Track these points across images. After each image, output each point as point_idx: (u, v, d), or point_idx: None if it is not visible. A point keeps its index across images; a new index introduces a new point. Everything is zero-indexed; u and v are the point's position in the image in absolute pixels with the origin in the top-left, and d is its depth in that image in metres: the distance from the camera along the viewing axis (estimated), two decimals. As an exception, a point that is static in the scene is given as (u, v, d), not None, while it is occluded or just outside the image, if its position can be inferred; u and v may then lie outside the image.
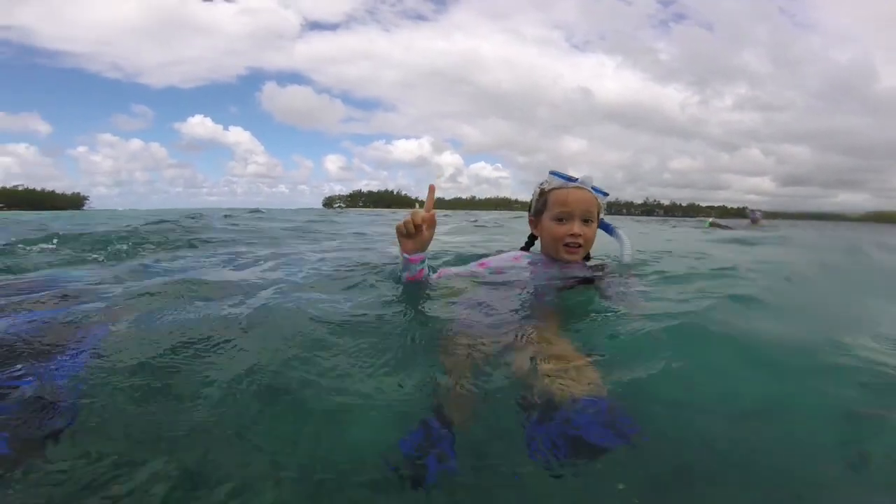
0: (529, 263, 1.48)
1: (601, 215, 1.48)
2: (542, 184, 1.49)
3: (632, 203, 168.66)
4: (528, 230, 1.58)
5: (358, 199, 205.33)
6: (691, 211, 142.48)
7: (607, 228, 1.60)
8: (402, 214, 1.32)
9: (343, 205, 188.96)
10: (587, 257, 1.50)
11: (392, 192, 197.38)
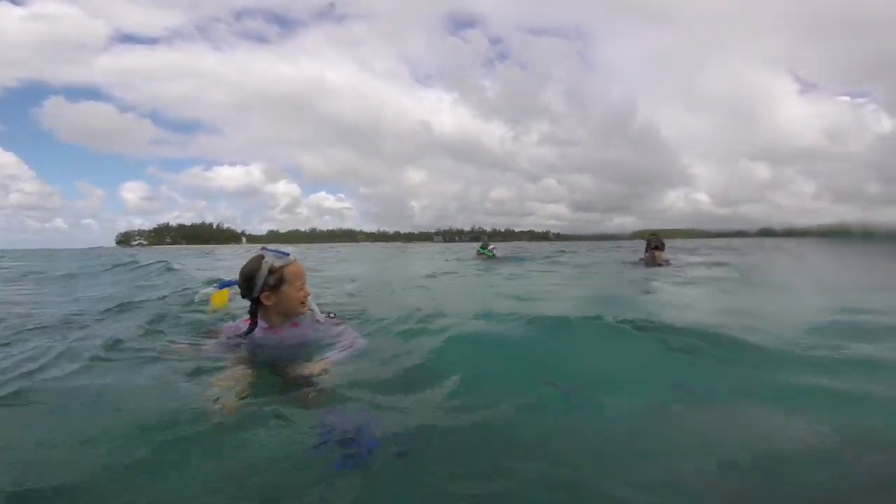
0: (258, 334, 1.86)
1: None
2: (265, 262, 1.84)
3: (462, 230, 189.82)
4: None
5: (165, 235, 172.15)
6: (509, 236, 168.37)
7: None
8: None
9: (144, 241, 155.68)
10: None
11: (211, 225, 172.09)
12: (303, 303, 1.89)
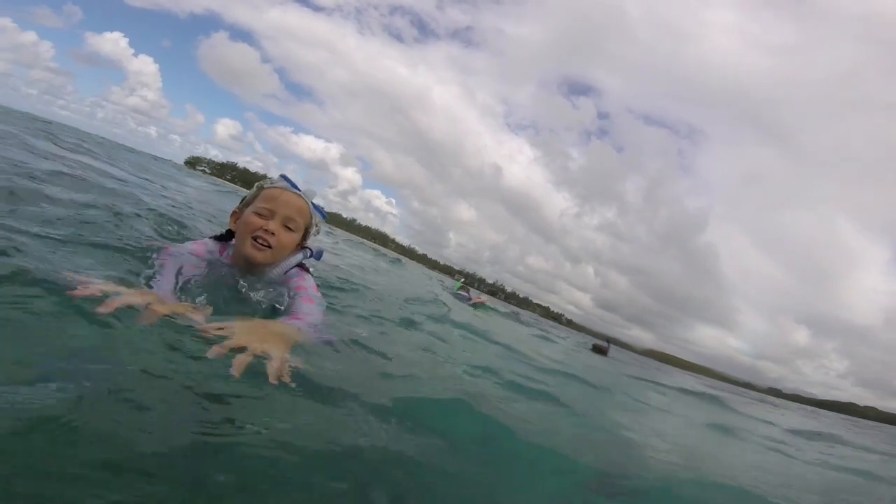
0: (207, 262, 1.40)
1: (314, 234, 1.50)
2: (264, 183, 1.46)
3: (483, 280, 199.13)
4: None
5: (227, 171, 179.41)
6: (523, 304, 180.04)
7: (319, 256, 1.59)
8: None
9: (207, 170, 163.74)
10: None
11: (269, 179, 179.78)
12: (256, 238, 1.32)
